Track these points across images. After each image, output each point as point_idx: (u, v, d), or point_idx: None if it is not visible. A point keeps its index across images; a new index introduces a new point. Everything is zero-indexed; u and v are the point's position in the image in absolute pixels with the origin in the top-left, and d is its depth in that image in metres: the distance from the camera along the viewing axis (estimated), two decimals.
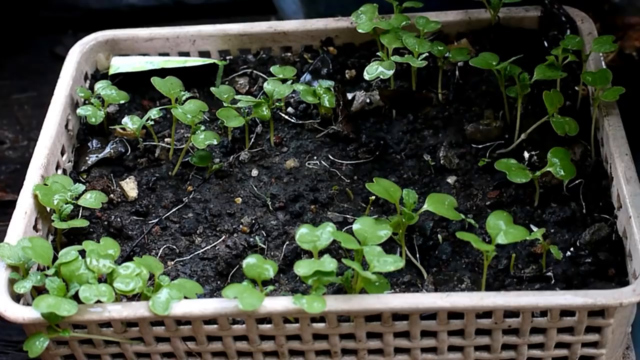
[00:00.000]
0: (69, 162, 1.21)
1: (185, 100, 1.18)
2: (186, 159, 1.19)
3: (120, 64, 1.29)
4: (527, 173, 1.07)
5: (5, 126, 1.57)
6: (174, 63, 1.28)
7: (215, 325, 1.00)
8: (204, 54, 1.32)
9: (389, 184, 1.05)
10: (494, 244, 0.98)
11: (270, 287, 0.99)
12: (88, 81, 1.29)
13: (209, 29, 1.31)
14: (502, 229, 0.99)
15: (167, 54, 1.32)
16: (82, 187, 1.13)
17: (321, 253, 0.98)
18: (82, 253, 1.01)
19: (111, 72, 1.29)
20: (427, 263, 1.07)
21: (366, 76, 1.18)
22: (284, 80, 1.21)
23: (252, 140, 1.21)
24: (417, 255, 1.07)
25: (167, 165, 1.19)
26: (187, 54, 1.32)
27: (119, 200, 1.16)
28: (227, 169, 1.18)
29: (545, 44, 1.24)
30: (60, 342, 1.03)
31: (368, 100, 1.23)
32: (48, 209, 1.11)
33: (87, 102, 1.24)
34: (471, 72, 1.24)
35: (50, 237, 1.12)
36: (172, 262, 1.09)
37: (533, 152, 1.14)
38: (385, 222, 1.01)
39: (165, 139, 1.22)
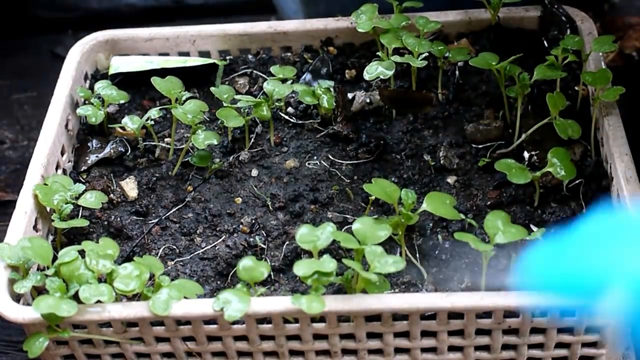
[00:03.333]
0: (69, 162, 1.21)
1: (185, 100, 1.18)
2: (186, 159, 1.19)
3: (120, 64, 1.29)
4: (527, 173, 1.07)
5: (5, 126, 1.56)
6: (173, 63, 1.28)
7: (215, 326, 1.00)
8: (204, 54, 1.32)
9: (387, 184, 1.05)
10: (492, 244, 0.98)
11: (262, 289, 0.99)
12: (88, 81, 1.29)
13: (209, 29, 1.31)
14: (501, 228, 0.99)
15: (167, 54, 1.32)
16: (82, 187, 1.12)
17: (321, 253, 0.98)
18: (82, 253, 1.01)
19: (111, 72, 1.29)
20: (427, 263, 1.07)
21: (366, 76, 1.18)
22: (284, 80, 1.21)
23: (252, 140, 1.21)
24: (417, 255, 1.07)
25: (167, 165, 1.19)
26: (187, 54, 1.32)
27: (119, 200, 1.16)
28: (227, 169, 1.18)
29: (545, 44, 1.24)
30: (60, 342, 1.03)
31: (368, 100, 1.23)
32: (48, 209, 1.11)
33: (87, 102, 1.24)
34: (471, 72, 1.24)
35: (50, 237, 1.12)
36: (172, 262, 1.09)
37: (533, 152, 1.14)
38: (385, 221, 1.01)
39: (165, 139, 1.22)
